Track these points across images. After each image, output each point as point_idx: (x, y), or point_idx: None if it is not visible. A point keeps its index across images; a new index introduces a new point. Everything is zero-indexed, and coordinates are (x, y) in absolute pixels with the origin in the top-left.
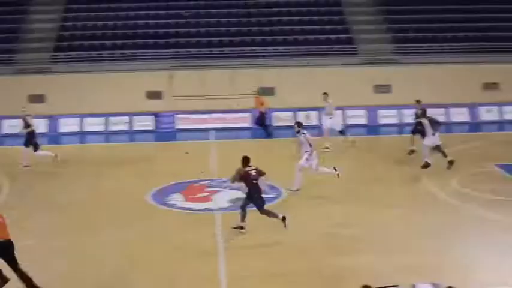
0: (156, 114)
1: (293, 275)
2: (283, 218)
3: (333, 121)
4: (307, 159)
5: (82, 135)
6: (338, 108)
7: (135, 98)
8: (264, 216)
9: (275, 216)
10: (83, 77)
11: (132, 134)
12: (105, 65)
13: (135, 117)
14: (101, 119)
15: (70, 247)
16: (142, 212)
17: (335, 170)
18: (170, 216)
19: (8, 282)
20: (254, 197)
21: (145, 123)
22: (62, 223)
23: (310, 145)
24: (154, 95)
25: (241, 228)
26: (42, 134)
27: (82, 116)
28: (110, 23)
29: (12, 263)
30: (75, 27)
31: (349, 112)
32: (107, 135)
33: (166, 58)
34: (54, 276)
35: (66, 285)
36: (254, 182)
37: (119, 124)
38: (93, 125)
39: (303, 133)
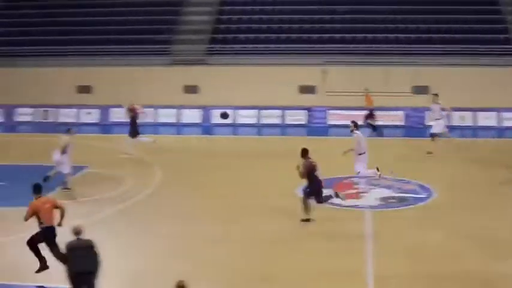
0: (308, 109)
1: (441, 278)
2: (307, 219)
3: (436, 123)
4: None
5: (234, 127)
6: (493, 110)
7: (287, 92)
8: (414, 216)
9: (307, 211)
10: (236, 69)
11: (284, 128)
12: (258, 58)
13: (287, 111)
14: (254, 112)
15: (222, 236)
16: (291, 205)
17: (378, 170)
18: (319, 212)
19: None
20: (315, 187)
21: (298, 117)
22: (213, 212)
23: (361, 146)
24: (307, 89)
25: (308, 220)
26: (196, 125)
27: (235, 108)
28: (265, 17)
29: (52, 246)
30: (230, 20)
31: (505, 114)
32: (259, 128)
33: (320, 53)
34: (210, 264)
35: (220, 273)
36: (315, 173)
37: (271, 117)
38: (246, 117)
39: (356, 133)
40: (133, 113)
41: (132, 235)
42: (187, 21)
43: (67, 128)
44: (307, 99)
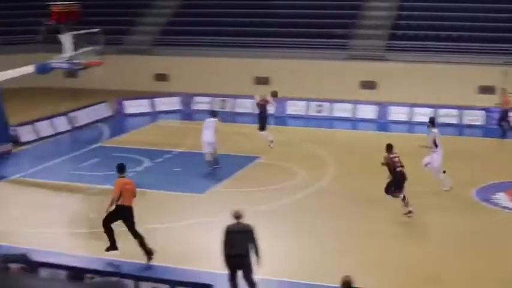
0: (487, 110)
1: None
2: (409, 212)
3: None
4: (432, 157)
5: (410, 125)
6: None
7: (466, 92)
8: None
9: (406, 204)
10: (415, 66)
11: (460, 128)
12: (438, 56)
13: (465, 111)
14: (430, 110)
15: (392, 233)
16: (465, 207)
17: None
18: (492, 215)
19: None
20: (396, 182)
21: (475, 117)
22: (384, 210)
23: (436, 144)
24: (486, 89)
25: (410, 212)
26: (371, 120)
27: (411, 105)
28: (447, 14)
29: (130, 225)
30: (411, 16)
31: None
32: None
33: (501, 53)
34: (377, 261)
35: (387, 271)
36: (397, 169)
37: (448, 117)
38: (422, 115)
39: (432, 131)
40: (264, 104)
41: (304, 225)
42: (367, 16)
43: (213, 110)
44: (486, 100)
